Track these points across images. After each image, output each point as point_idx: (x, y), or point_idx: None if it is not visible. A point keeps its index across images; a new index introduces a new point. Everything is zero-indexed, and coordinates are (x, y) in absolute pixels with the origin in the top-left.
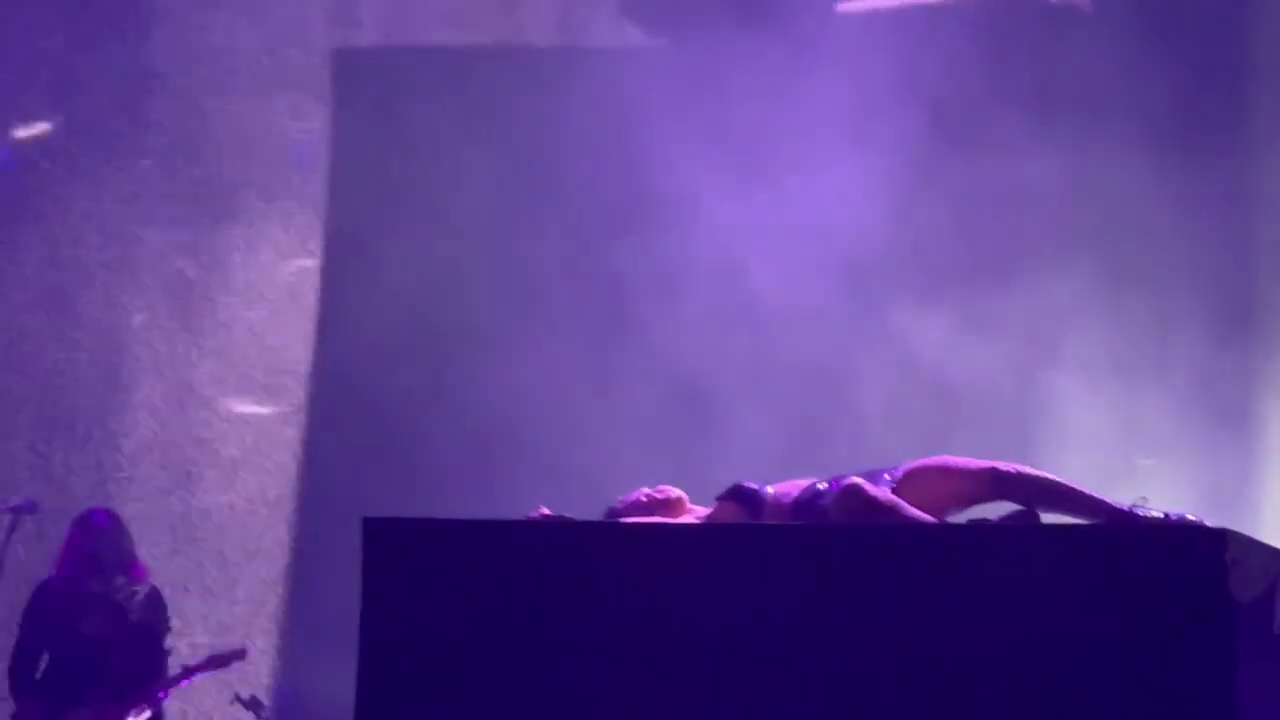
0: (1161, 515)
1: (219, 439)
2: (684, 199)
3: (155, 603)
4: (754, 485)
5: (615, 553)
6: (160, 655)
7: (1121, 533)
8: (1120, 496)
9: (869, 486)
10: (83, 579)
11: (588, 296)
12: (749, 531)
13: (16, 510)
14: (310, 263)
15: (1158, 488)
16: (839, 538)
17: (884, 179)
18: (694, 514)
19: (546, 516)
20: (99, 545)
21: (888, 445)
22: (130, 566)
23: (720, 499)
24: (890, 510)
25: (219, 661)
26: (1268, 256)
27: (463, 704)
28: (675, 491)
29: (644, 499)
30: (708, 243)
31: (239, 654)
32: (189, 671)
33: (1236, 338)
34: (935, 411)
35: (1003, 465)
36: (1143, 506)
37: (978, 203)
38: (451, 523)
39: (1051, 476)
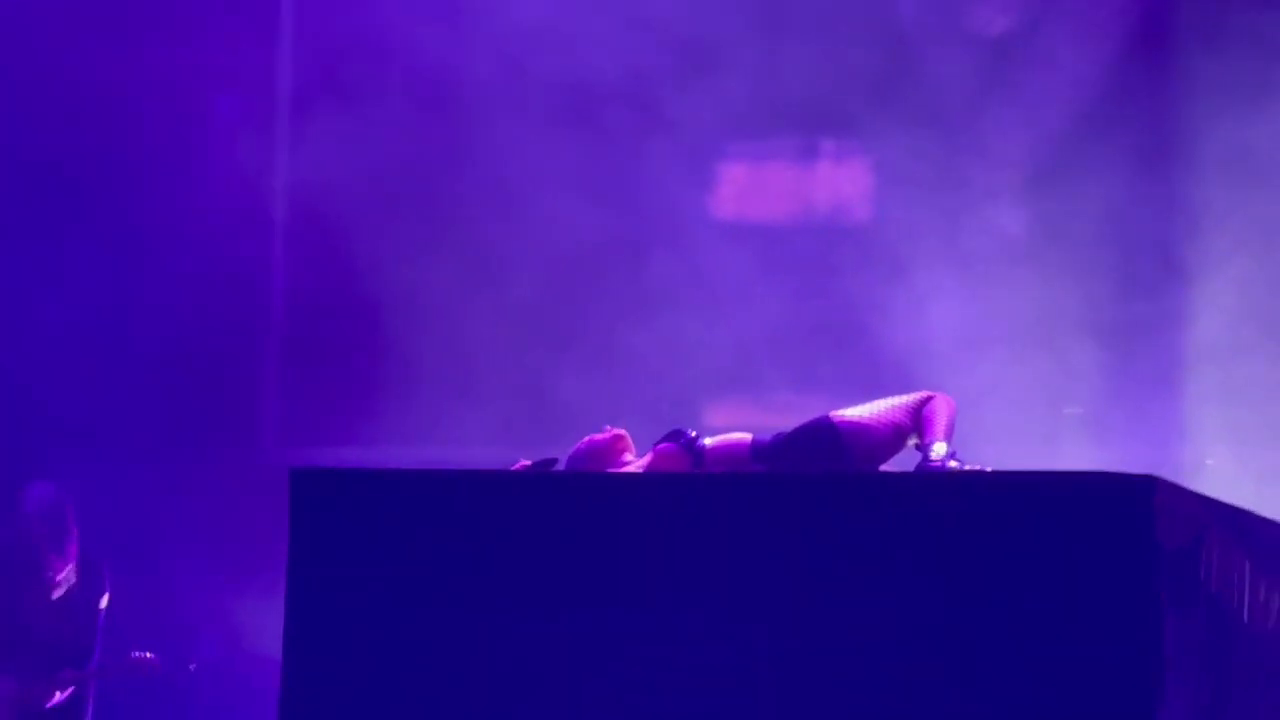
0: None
1: None
2: None
3: (88, 579)
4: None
5: (566, 505)
6: (89, 633)
7: (1051, 479)
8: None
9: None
10: (15, 551)
11: None
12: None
13: None
14: None
15: (1086, 436)
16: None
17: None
18: (634, 458)
19: (525, 467)
20: (30, 520)
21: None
22: (65, 542)
23: (660, 443)
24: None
25: (132, 668)
26: (1183, 216)
27: (396, 667)
28: (613, 431)
29: (584, 446)
30: None
31: (152, 664)
32: (104, 671)
33: (1158, 290)
34: (861, 364)
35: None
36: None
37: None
38: (388, 473)
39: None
